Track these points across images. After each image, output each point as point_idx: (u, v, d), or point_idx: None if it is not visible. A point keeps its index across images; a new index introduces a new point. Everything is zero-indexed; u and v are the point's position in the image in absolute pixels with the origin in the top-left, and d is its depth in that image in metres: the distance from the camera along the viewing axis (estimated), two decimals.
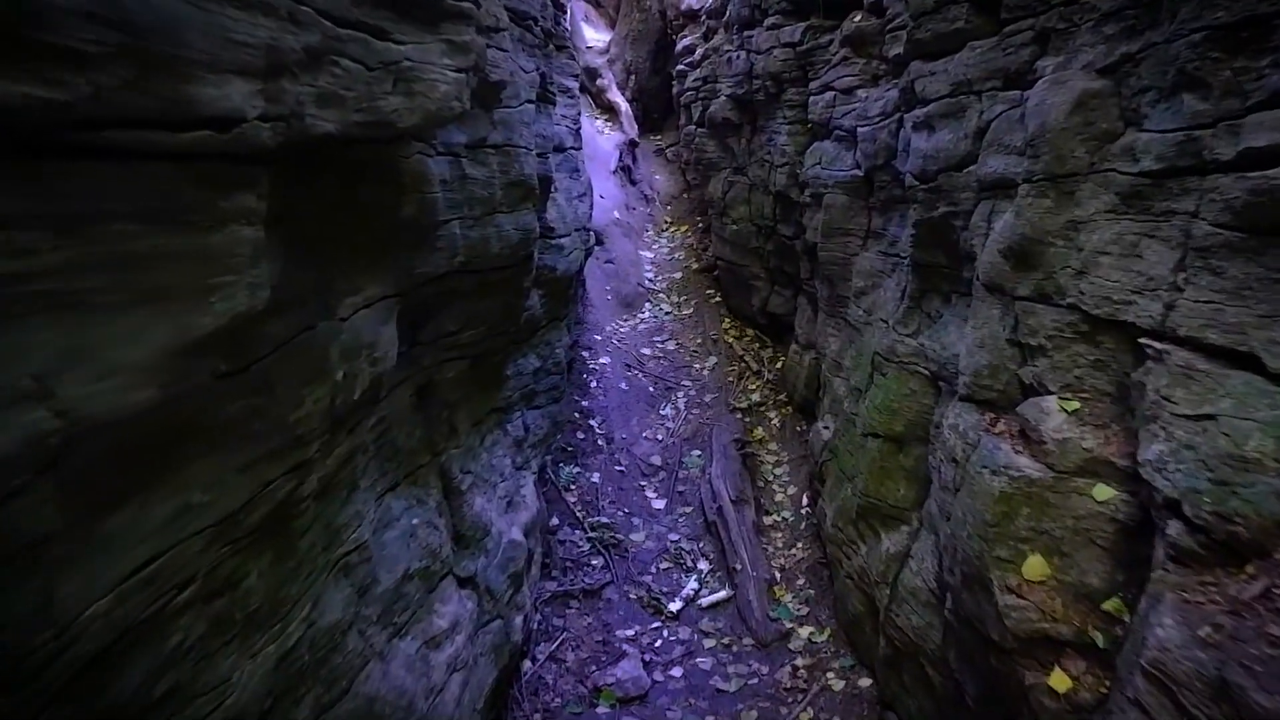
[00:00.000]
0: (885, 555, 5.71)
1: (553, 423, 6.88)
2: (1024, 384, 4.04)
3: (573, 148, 7.58)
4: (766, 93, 8.93)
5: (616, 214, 12.42)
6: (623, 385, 9.56)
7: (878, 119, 6.56)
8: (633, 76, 14.90)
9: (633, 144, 13.78)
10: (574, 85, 7.71)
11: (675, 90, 12.27)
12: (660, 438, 8.89)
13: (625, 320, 10.99)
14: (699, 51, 11.20)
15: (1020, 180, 4.10)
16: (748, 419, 9.12)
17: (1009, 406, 4.12)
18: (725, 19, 10.25)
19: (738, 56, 9.60)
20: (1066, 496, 3.46)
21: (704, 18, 11.45)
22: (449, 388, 5.07)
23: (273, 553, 3.11)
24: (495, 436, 5.91)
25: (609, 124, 14.04)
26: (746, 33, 9.36)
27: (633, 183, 13.59)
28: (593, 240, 8.47)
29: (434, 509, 4.83)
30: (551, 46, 5.87)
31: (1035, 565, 3.50)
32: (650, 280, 11.94)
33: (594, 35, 15.72)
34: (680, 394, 9.58)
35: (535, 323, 6.34)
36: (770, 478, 8.36)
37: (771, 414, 9.16)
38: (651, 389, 9.65)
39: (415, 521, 4.61)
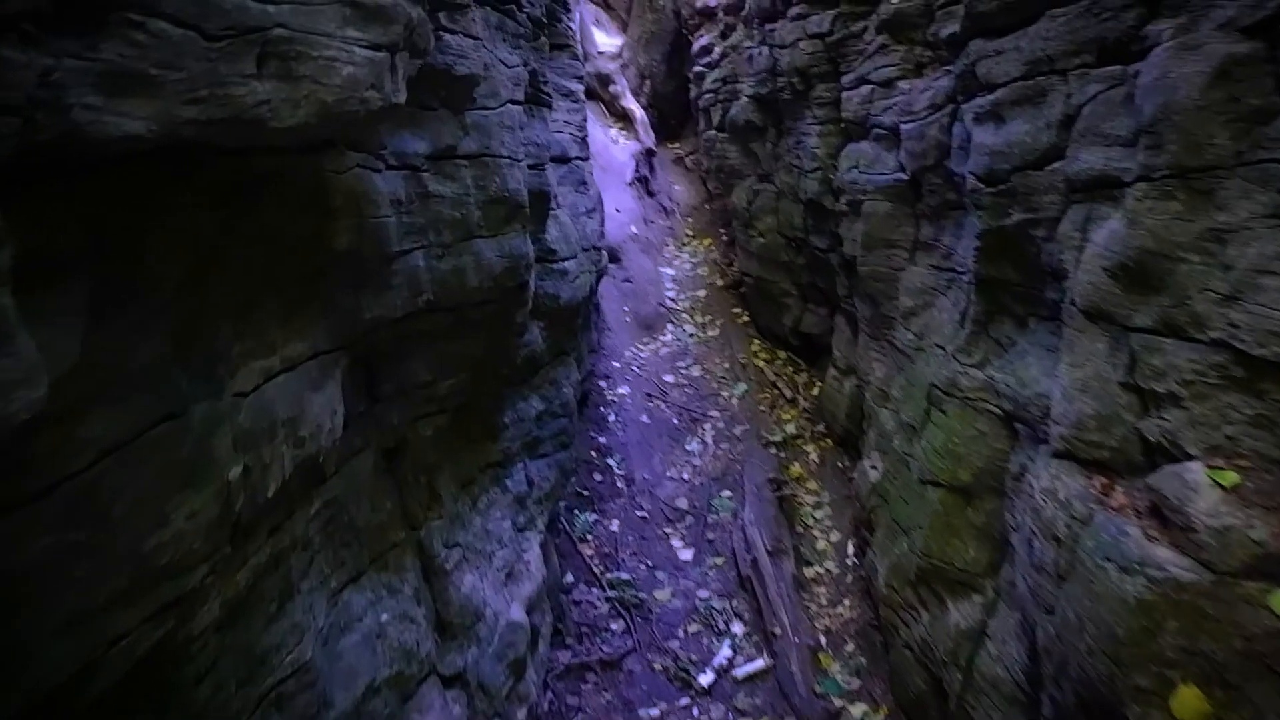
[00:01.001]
0: (954, 630, 4.78)
1: (561, 472, 6.01)
2: (1148, 442, 3.12)
3: (578, 158, 6.74)
4: (793, 90, 8.06)
5: (634, 228, 11.57)
6: (644, 418, 8.68)
7: (925, 113, 5.66)
8: (647, 81, 14.04)
9: (649, 153, 12.93)
10: (578, 88, 6.88)
11: (693, 94, 11.41)
12: (686, 477, 8.00)
13: (646, 344, 10.12)
14: (717, 50, 10.34)
15: (1132, 178, 3.19)
16: (783, 454, 8.20)
17: (1128, 470, 3.20)
18: (744, 13, 9.39)
19: (759, 53, 8.73)
20: (1231, 607, 2.53)
21: (721, 14, 10.58)
22: (427, 447, 4.23)
23: (147, 716, 2.28)
24: (492, 496, 5.06)
25: (624, 132, 13.19)
26: (768, 26, 8.49)
27: (650, 194, 12.73)
28: (605, 260, 7.63)
29: (410, 597, 3.98)
30: (544, 39, 5.03)
31: (1189, 700, 2.57)
32: (672, 299, 11.07)
33: (605, 40, 14.90)
34: (707, 426, 8.69)
35: (536, 360, 5.49)
36: (810, 522, 7.44)
37: (809, 448, 8.24)
38: (675, 421, 8.76)
39: (385, 618, 3.76)
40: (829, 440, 8.20)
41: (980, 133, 4.51)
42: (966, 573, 4.85)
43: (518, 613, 4.84)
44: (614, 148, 12.52)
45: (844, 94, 7.12)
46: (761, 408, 8.91)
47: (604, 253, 7.56)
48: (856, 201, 6.87)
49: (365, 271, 3.05)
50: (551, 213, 5.60)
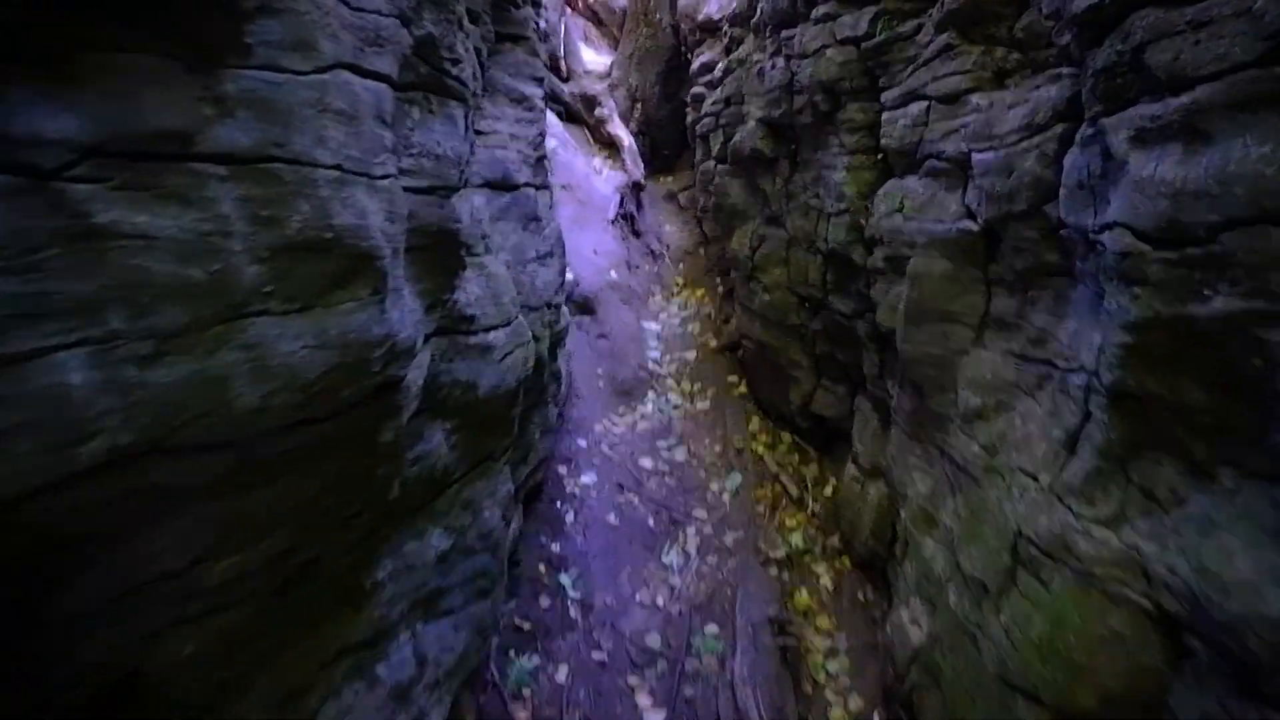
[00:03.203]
0: None
1: (478, 632, 4.18)
2: None
3: (530, 185, 4.99)
4: (814, 111, 6.34)
5: (614, 274, 9.80)
6: (611, 517, 6.84)
7: (1015, 137, 3.95)
8: (639, 105, 12.29)
9: (637, 186, 11.20)
10: (535, 93, 5.16)
11: (689, 119, 9.70)
12: (661, 603, 6.14)
13: (621, 415, 8.31)
14: (719, 67, 8.65)
15: None
16: (786, 575, 6.36)
17: None
18: (755, 20, 7.71)
19: (772, 66, 7.04)
20: None
21: (726, 26, 8.90)
22: (187, 677, 2.40)
23: None
24: (346, 699, 3.22)
25: (609, 162, 11.47)
26: (785, 33, 6.81)
27: (636, 234, 10.98)
28: (565, 320, 5.86)
29: None
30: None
31: None
32: (656, 361, 9.27)
33: (594, 58, 13.21)
34: (691, 530, 6.84)
35: (437, 479, 3.69)
36: (820, 677, 5.58)
37: (820, 568, 6.40)
38: (651, 522, 6.92)
39: None
40: (846, 559, 6.37)
41: (1147, 161, 2.75)
42: None
43: None
44: (596, 179, 10.79)
45: (885, 114, 5.42)
46: (760, 508, 7.08)
47: (563, 310, 5.80)
48: (899, 257, 5.14)
49: None
50: (474, 260, 3.83)
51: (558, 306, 5.60)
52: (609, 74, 12.64)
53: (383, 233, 2.38)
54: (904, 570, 5.21)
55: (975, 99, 4.45)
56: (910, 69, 5.12)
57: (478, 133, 4.50)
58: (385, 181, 2.45)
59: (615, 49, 13.43)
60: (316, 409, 2.30)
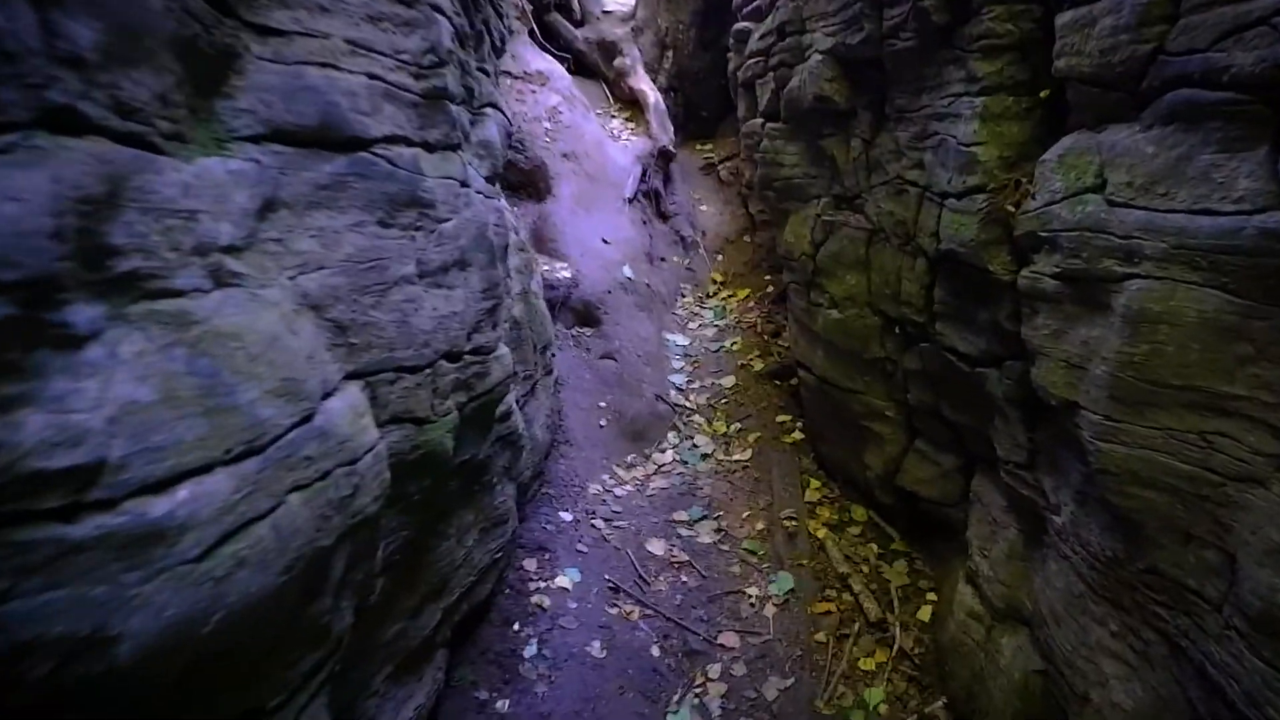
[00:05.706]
0: None
1: None
2: None
3: (402, 140, 2.76)
4: (922, 28, 3.94)
5: (628, 270, 7.47)
6: (595, 647, 4.56)
7: None
8: (669, 53, 9.83)
9: (665, 156, 8.82)
10: None
11: (731, 65, 7.26)
12: None
13: (629, 468, 6.03)
14: None
15: None
16: None
17: None
18: None
19: None
20: None
21: None
22: None
23: None
24: None
25: (629, 125, 9.11)
26: None
27: (662, 217, 8.64)
28: (505, 370, 3.56)
29: None
30: None
31: None
32: (680, 389, 6.95)
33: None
34: (715, 671, 4.52)
35: None
36: None
37: None
38: (656, 652, 4.62)
39: None
40: None
41: None
42: None
43: None
44: (611, 146, 8.42)
45: (1062, 16, 3.01)
46: (819, 634, 4.73)
47: (500, 355, 3.52)
48: (1095, 276, 2.76)
49: None
50: (148, 309, 1.58)
51: (486, 351, 3.33)
52: (633, 15, 10.22)
53: None
54: None
55: None
56: None
57: (257, 29, 2.21)
58: None
59: None
60: None
